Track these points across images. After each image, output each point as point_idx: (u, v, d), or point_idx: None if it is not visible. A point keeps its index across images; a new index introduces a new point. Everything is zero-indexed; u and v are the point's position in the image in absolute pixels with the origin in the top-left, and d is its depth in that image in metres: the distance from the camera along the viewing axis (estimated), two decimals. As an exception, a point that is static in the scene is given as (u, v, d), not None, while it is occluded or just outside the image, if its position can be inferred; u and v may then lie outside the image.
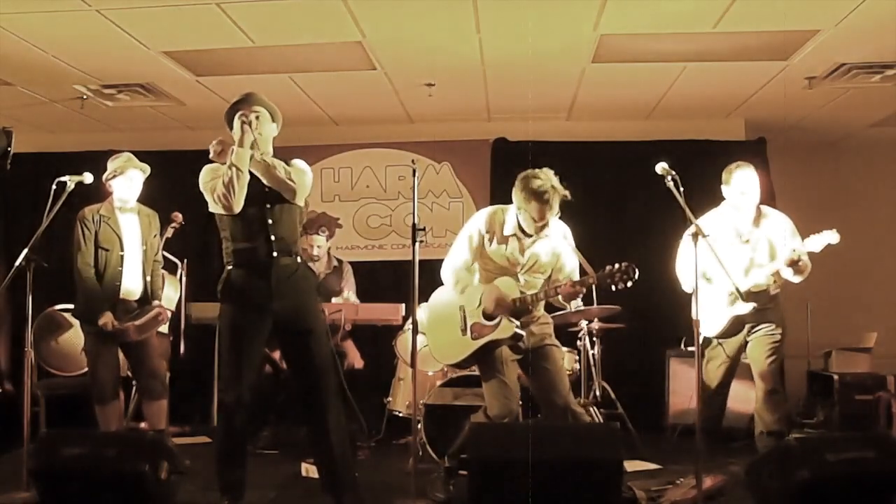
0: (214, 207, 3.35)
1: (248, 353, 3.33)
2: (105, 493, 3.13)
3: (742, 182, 4.09)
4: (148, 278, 4.39)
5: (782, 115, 6.04)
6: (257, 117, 3.35)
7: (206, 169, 3.41)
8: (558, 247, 3.67)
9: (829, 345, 5.89)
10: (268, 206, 3.34)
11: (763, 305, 4.04)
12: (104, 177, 4.32)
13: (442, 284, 3.80)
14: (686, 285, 4.24)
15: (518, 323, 3.56)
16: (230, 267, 3.39)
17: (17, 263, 3.58)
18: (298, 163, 3.48)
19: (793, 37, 4.41)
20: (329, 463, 3.41)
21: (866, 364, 5.72)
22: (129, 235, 4.34)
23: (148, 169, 4.43)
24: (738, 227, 4.14)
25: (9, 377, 6.06)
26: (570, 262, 3.67)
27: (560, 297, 3.50)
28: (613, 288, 3.34)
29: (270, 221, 3.34)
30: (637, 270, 3.31)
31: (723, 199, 4.24)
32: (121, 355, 4.35)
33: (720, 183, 4.22)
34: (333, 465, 3.39)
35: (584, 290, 3.44)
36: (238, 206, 3.26)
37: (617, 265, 3.33)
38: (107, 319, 4.15)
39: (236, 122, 3.35)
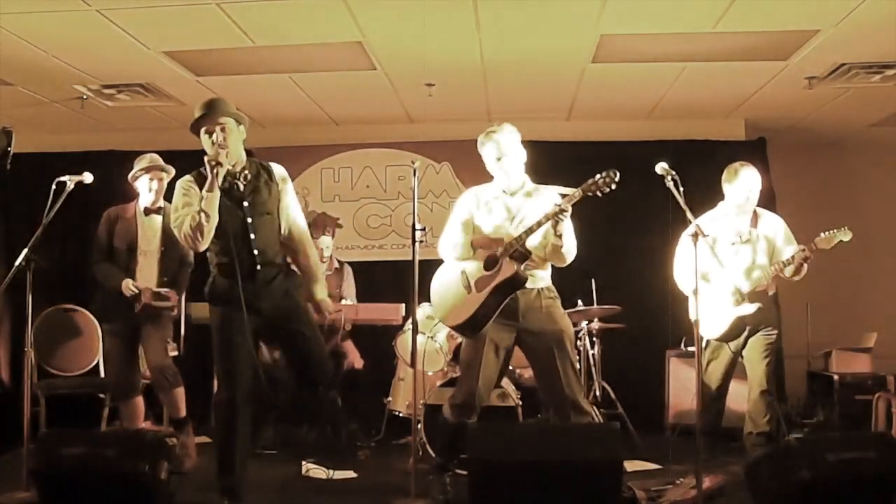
0: (181, 241, 3.38)
1: (237, 354, 3.37)
2: (105, 493, 3.13)
3: (748, 182, 4.08)
4: (165, 278, 4.35)
5: (782, 115, 6.05)
6: (223, 129, 3.34)
7: (178, 191, 3.41)
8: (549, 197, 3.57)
9: (829, 345, 5.89)
10: (248, 220, 3.38)
11: (762, 306, 4.04)
12: (129, 177, 4.35)
13: None
14: (684, 287, 4.22)
15: (519, 265, 3.45)
16: (215, 272, 3.49)
17: (17, 263, 3.58)
18: (276, 169, 3.53)
19: (793, 37, 4.41)
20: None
21: (866, 364, 5.71)
22: (145, 237, 4.34)
23: (173, 170, 4.39)
24: (738, 227, 4.13)
25: (9, 377, 6.06)
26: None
27: (559, 217, 3.34)
28: (600, 195, 3.30)
29: (252, 236, 3.39)
30: (618, 173, 3.27)
31: (722, 198, 4.24)
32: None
33: (720, 183, 4.21)
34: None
35: (574, 200, 3.32)
36: (203, 248, 3.33)
37: (598, 175, 3.31)
38: (125, 284, 4.20)
39: (204, 138, 3.36)
